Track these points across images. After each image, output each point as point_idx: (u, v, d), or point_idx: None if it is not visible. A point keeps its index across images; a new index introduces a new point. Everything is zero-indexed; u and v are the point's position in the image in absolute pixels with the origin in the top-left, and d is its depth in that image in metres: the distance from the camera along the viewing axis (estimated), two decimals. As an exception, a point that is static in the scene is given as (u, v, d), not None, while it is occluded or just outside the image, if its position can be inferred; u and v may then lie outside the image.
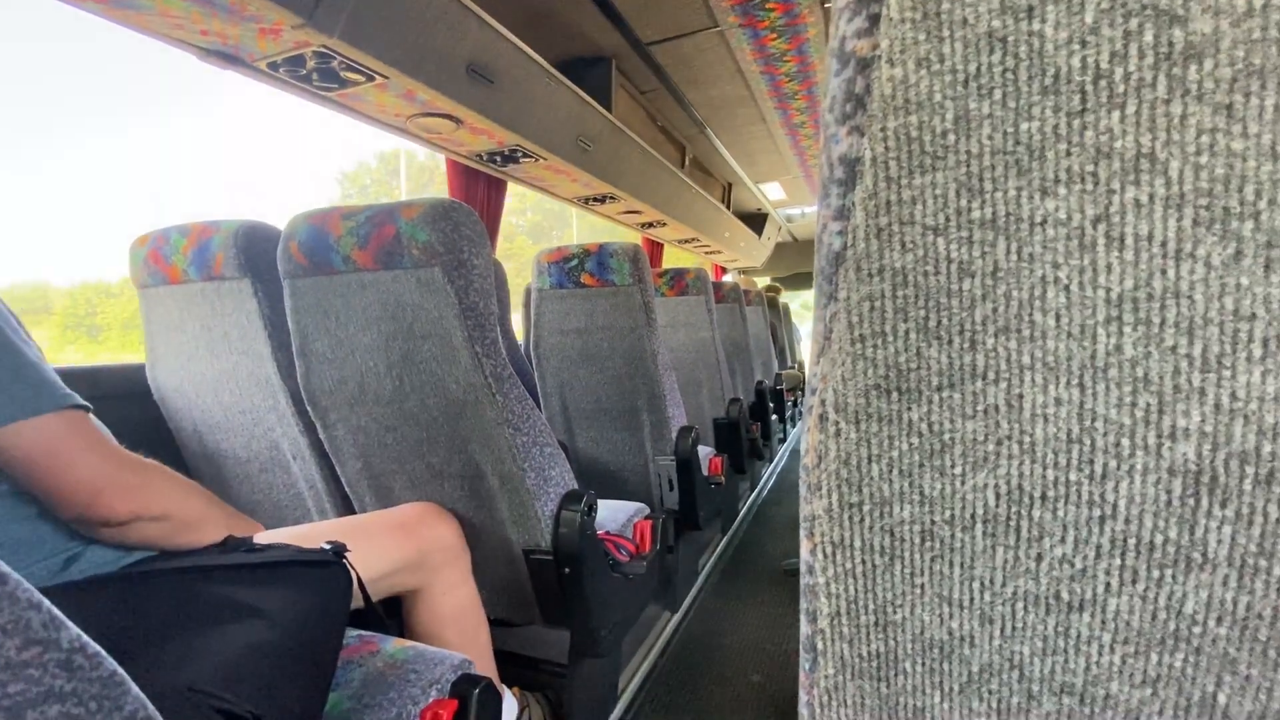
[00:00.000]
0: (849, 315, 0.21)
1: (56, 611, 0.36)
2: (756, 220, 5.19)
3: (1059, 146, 0.18)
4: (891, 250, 0.20)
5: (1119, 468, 0.20)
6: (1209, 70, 0.17)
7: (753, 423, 2.68)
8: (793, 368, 5.06)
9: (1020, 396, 0.20)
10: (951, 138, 0.19)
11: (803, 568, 0.25)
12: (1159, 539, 0.20)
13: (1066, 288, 0.19)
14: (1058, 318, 0.19)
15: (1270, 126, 0.17)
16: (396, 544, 0.91)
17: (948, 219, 0.20)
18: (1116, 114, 0.18)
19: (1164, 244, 0.18)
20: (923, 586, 0.23)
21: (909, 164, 0.20)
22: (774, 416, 3.29)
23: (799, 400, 4.91)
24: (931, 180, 0.20)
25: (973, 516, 0.22)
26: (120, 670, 0.39)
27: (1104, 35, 0.18)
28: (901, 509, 0.22)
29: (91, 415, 0.66)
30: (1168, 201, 0.18)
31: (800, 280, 6.68)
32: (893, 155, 0.20)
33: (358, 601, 0.78)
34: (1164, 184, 0.18)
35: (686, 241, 4.14)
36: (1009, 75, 0.19)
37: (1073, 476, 0.20)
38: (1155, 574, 0.20)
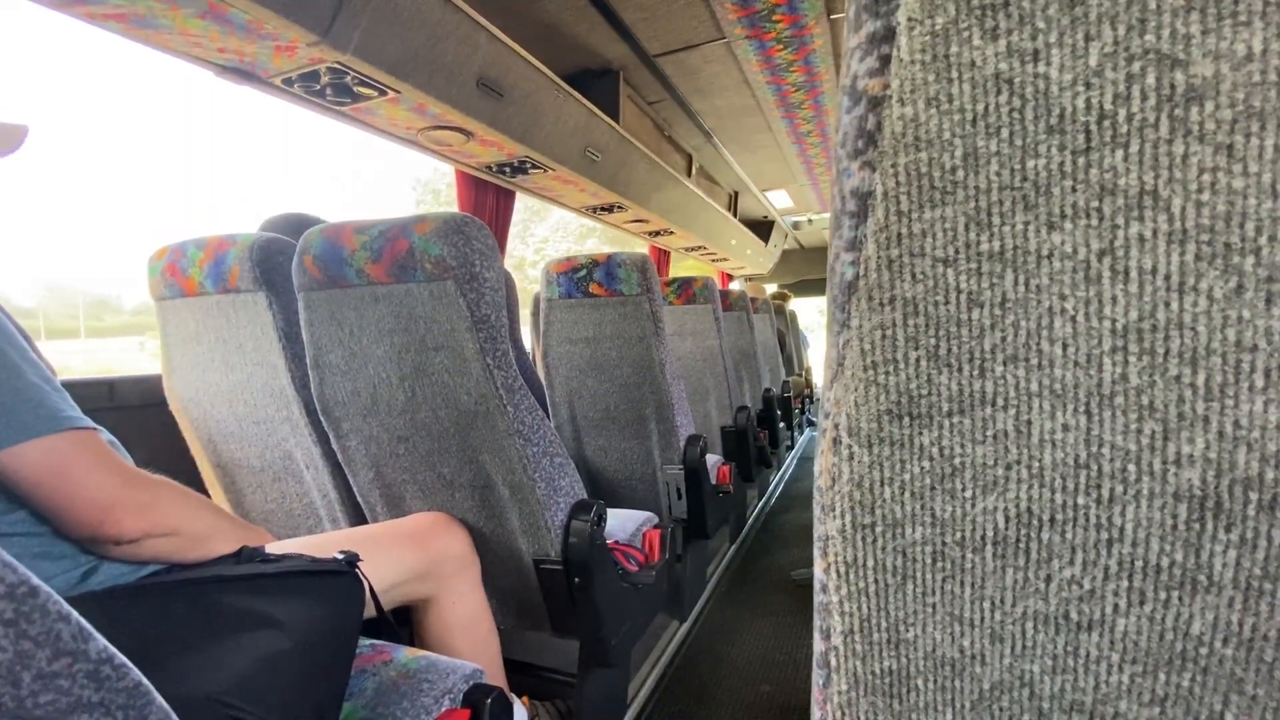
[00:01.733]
0: (861, 343, 0.22)
1: (85, 623, 0.37)
2: (763, 228, 5.20)
3: (1064, 183, 0.19)
4: (903, 281, 0.21)
5: (1125, 492, 0.20)
6: (1210, 112, 0.18)
7: (760, 430, 2.67)
8: (800, 375, 5.05)
9: (1029, 423, 0.21)
10: (961, 174, 0.20)
11: (817, 586, 0.26)
12: (1165, 562, 0.20)
13: (1073, 318, 0.20)
14: (1065, 347, 0.20)
15: (1270, 166, 0.17)
16: (407, 554, 0.92)
17: (957, 251, 0.20)
18: (1120, 153, 0.19)
19: (1167, 277, 0.19)
20: (934, 606, 0.23)
21: (919, 198, 0.21)
22: (782, 424, 3.28)
23: (806, 407, 4.90)
24: (941, 214, 0.20)
25: (983, 538, 0.22)
26: (145, 681, 0.40)
27: (1107, 78, 0.18)
28: (913, 530, 0.23)
29: (100, 432, 0.65)
30: (1171, 237, 0.18)
31: (807, 287, 6.68)
32: (903, 190, 0.21)
33: (369, 611, 0.79)
34: (1167, 220, 0.18)
35: (693, 249, 4.16)
36: (1016, 115, 0.19)
37: (1080, 500, 0.21)
38: (1162, 596, 0.20)
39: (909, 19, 0.20)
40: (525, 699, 1.16)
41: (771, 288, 6.51)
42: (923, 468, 0.22)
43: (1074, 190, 0.19)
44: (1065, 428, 0.20)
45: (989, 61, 0.19)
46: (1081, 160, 0.19)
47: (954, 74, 0.20)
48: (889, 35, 0.20)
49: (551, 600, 1.07)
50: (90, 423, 0.64)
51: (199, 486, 1.29)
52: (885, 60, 0.20)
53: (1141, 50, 0.18)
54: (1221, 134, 0.18)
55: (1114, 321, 0.19)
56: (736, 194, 4.45)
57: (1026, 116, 0.19)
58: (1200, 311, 0.18)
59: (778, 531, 2.65)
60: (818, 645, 0.26)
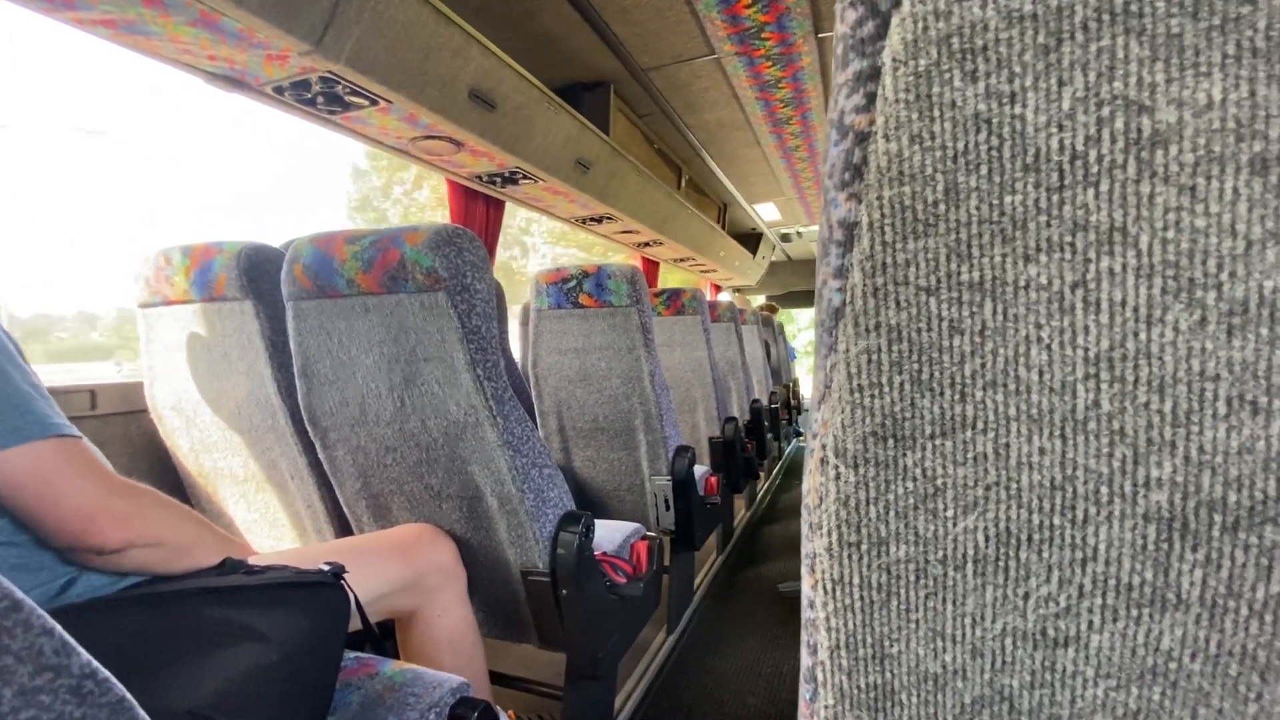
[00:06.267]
0: (848, 366, 0.23)
1: (68, 638, 0.36)
2: (751, 240, 5.25)
3: (1040, 218, 0.20)
4: (887, 308, 0.22)
5: (1098, 513, 0.21)
6: (1174, 155, 0.19)
7: (748, 441, 2.69)
8: (787, 386, 5.08)
9: (1007, 446, 0.22)
10: (942, 207, 0.21)
11: (804, 602, 0.26)
12: (1136, 580, 0.21)
13: (1048, 346, 0.21)
14: (1040, 374, 0.21)
15: (1230, 207, 0.18)
16: (393, 565, 0.91)
17: (939, 281, 0.21)
18: (1091, 191, 0.20)
19: (1136, 309, 0.20)
20: (918, 622, 0.24)
21: (903, 230, 0.21)
22: (769, 435, 3.30)
23: (793, 419, 4.93)
24: (924, 245, 0.21)
25: (964, 556, 0.23)
26: (128, 696, 0.40)
27: (1079, 120, 0.19)
28: (897, 549, 0.24)
29: (84, 441, 0.65)
30: (1139, 271, 0.19)
31: (794, 299, 6.73)
32: (888, 221, 0.22)
33: (354, 624, 0.78)
34: (1135, 255, 0.19)
35: (682, 261, 4.18)
36: (994, 153, 0.20)
37: (1056, 521, 0.22)
38: (1134, 613, 0.21)
39: (894, 60, 0.21)
40: (511, 713, 1.15)
41: (759, 299, 6.56)
42: (906, 488, 0.23)
43: (1048, 225, 0.20)
44: (1041, 451, 0.21)
45: (969, 102, 0.20)
46: (1055, 197, 0.20)
47: (936, 113, 0.21)
48: (874, 74, 0.21)
49: (539, 612, 1.07)
50: (76, 430, 0.63)
51: (181, 496, 1.27)
52: (871, 98, 0.21)
53: (1110, 96, 0.19)
54: (1185, 176, 0.19)
55: (1087, 350, 0.20)
56: (725, 206, 4.49)
57: (1004, 155, 0.20)
58: (1167, 342, 0.19)
59: (765, 543, 2.65)
60: (805, 660, 0.27)
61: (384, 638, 1.02)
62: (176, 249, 1.13)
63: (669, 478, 1.62)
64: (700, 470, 1.86)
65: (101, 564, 0.64)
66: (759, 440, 2.97)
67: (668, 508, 1.65)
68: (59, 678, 0.35)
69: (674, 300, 2.26)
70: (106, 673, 0.38)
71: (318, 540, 1.18)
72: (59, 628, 0.35)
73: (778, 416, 3.72)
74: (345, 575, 0.74)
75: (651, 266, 4.13)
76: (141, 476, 1.26)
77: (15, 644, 0.33)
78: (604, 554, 1.20)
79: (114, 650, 0.57)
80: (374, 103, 1.43)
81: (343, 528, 1.16)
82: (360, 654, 0.82)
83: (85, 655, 0.37)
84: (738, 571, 2.31)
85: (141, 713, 0.40)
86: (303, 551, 0.89)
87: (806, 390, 6.34)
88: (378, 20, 1.24)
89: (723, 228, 4.45)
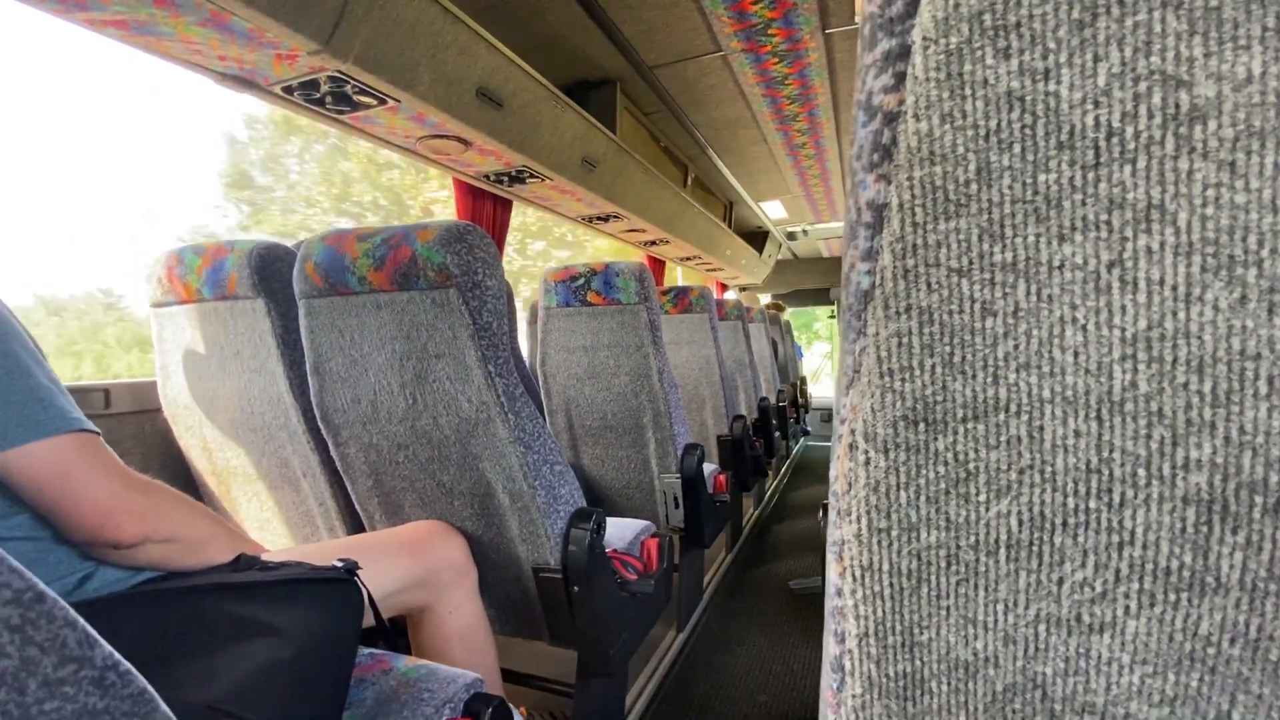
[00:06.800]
0: (877, 350, 0.23)
1: (91, 630, 0.36)
2: (757, 238, 5.23)
3: (1075, 197, 0.20)
4: (918, 290, 0.22)
5: (1136, 496, 0.21)
6: (1213, 130, 0.18)
7: (756, 439, 2.68)
8: (794, 384, 5.06)
9: (1041, 428, 0.21)
10: (974, 187, 0.21)
11: (831, 590, 0.26)
12: (1175, 564, 0.21)
13: (1084, 327, 0.20)
14: (1076, 355, 0.21)
15: (1270, 182, 0.18)
16: (404, 562, 0.91)
17: (971, 262, 0.21)
18: (1128, 168, 0.19)
19: (1174, 288, 0.19)
20: (948, 609, 0.24)
21: (934, 210, 0.21)
22: (777, 434, 3.29)
23: (800, 417, 4.92)
24: (955, 226, 0.21)
25: (997, 542, 0.23)
26: (149, 688, 0.40)
27: (1115, 97, 0.19)
28: (928, 534, 0.23)
29: (101, 438, 0.66)
30: (1177, 249, 0.19)
31: (800, 297, 6.70)
32: (919, 202, 0.21)
33: (368, 620, 0.78)
34: (1173, 233, 0.19)
35: (688, 259, 4.17)
36: (1027, 131, 0.20)
37: (1092, 504, 0.21)
38: (1172, 597, 0.21)
39: (924, 38, 0.20)
40: (523, 709, 1.15)
41: (765, 298, 6.54)
42: (938, 472, 0.23)
43: (1084, 204, 0.20)
44: (1077, 433, 0.21)
45: (1001, 79, 0.20)
46: (1091, 175, 0.20)
47: (967, 91, 0.20)
48: (904, 53, 0.21)
49: (550, 609, 1.07)
50: (95, 426, 0.64)
51: (194, 494, 1.27)
52: (900, 77, 0.21)
53: (1147, 71, 0.19)
54: (1224, 151, 0.18)
55: (1123, 330, 0.20)
56: (732, 204, 4.48)
57: (1038, 133, 0.20)
58: (1206, 321, 0.19)
59: (773, 541, 2.65)
60: (831, 649, 0.27)
61: (396, 635, 1.02)
62: (189, 248, 1.13)
63: (678, 475, 1.61)
64: (709, 468, 1.86)
65: (117, 559, 0.65)
66: (767, 438, 2.97)
67: (677, 505, 1.64)
68: (82, 669, 0.35)
69: (681, 298, 2.26)
70: (128, 665, 0.39)
71: (330, 538, 1.18)
72: (82, 620, 0.36)
73: (785, 415, 3.71)
74: (359, 571, 0.75)
75: (657, 265, 4.12)
76: (155, 474, 1.27)
77: (39, 635, 0.33)
78: (615, 551, 1.20)
79: (131, 644, 0.57)
80: (382, 102, 1.43)
81: (355, 525, 1.16)
82: (374, 650, 0.82)
83: (108, 647, 0.37)
84: (747, 570, 2.31)
85: (162, 705, 0.41)
86: (315, 548, 0.89)
87: (813, 389, 6.31)
88: (386, 19, 1.24)
89: (729, 226, 4.44)
